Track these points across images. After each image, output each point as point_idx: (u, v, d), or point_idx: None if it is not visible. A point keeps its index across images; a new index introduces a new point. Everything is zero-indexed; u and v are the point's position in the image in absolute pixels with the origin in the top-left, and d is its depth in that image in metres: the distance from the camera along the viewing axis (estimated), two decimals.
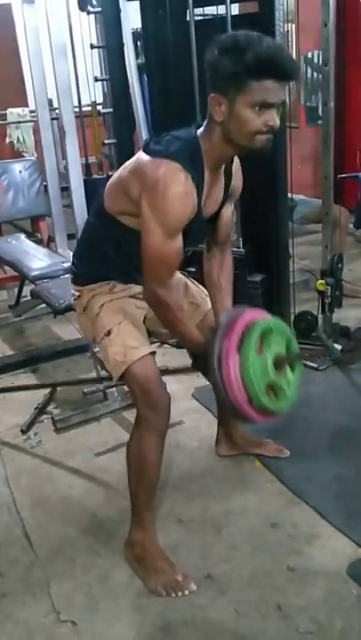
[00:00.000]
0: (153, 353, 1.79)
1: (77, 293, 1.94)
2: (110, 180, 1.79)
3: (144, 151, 1.65)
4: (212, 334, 1.72)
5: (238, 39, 1.49)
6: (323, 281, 2.98)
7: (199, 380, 2.80)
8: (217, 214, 1.85)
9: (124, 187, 1.69)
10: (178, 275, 2.02)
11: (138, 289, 1.89)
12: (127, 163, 1.73)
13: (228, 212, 1.92)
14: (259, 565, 1.81)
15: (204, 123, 1.64)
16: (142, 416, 1.75)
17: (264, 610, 1.66)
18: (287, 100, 2.95)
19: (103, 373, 2.73)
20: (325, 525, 1.93)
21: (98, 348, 1.89)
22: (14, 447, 2.53)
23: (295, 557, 1.83)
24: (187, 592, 1.73)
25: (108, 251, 1.83)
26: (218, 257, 1.99)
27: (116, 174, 1.77)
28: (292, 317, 3.21)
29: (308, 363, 2.94)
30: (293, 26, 4.21)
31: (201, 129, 1.65)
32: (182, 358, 2.68)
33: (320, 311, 3.08)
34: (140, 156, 1.66)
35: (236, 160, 1.80)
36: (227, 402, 1.69)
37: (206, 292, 2.03)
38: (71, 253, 4.02)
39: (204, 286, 2.05)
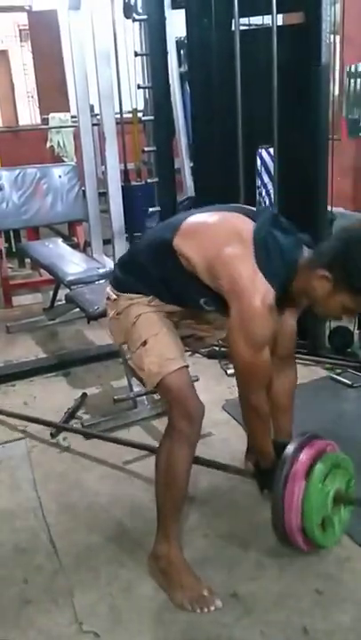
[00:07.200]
0: (186, 366, 1.78)
1: (114, 296, 1.89)
2: (194, 221, 1.77)
3: (255, 237, 1.64)
4: (281, 451, 1.78)
5: None
6: None
7: (230, 392, 2.78)
8: None
9: (210, 261, 1.67)
10: None
11: (176, 308, 1.86)
12: (224, 227, 1.72)
13: (292, 323, 1.89)
14: (286, 586, 1.78)
15: (306, 262, 1.67)
16: (175, 426, 1.74)
17: (290, 633, 1.62)
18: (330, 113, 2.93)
19: (133, 380, 2.72)
20: (356, 549, 1.89)
21: (128, 355, 1.87)
22: (43, 451, 2.53)
23: (324, 580, 1.78)
24: (212, 608, 1.70)
25: (156, 278, 1.80)
26: (284, 371, 1.96)
27: (205, 224, 1.76)
28: (328, 332, 3.17)
29: (342, 379, 2.89)
30: (338, 37, 4.18)
31: (302, 262, 1.68)
32: (213, 369, 2.66)
33: (356, 327, 3.03)
34: (245, 246, 1.64)
35: None
36: (279, 522, 1.75)
37: None
38: (106, 259, 4.09)
39: None
